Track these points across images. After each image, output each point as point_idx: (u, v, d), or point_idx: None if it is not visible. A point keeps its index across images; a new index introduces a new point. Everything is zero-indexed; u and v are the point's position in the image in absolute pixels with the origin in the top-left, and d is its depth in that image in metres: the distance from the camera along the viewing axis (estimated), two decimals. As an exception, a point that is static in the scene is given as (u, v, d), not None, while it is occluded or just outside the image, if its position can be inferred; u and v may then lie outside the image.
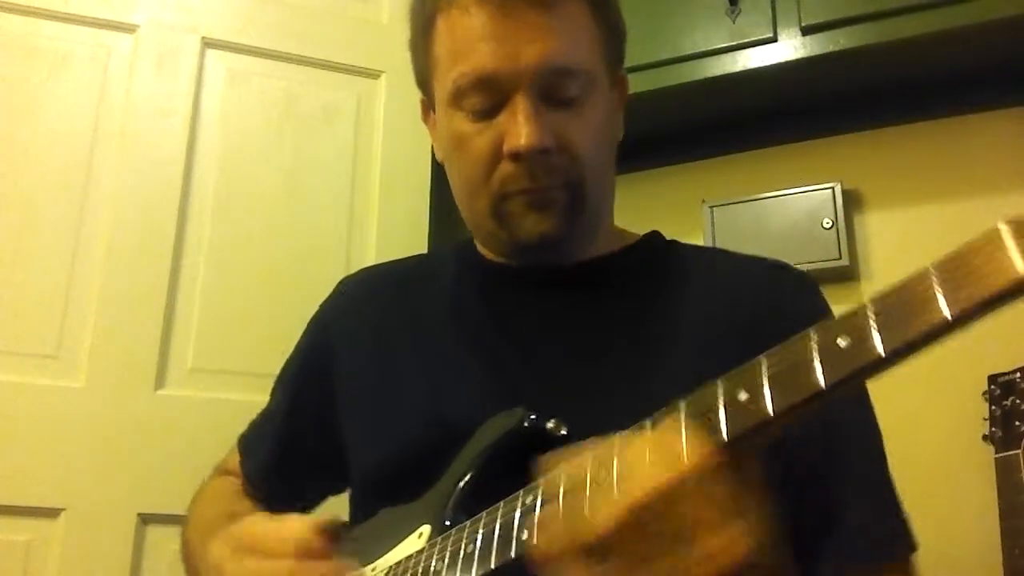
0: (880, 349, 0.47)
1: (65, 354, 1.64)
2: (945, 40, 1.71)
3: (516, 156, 0.83)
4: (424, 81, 0.95)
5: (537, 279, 0.93)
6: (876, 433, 0.85)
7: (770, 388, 0.51)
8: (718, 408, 0.53)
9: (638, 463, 0.54)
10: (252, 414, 1.09)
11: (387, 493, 0.86)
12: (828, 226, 1.88)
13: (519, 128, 0.82)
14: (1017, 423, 1.50)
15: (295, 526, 0.76)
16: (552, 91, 0.84)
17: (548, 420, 0.77)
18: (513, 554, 0.63)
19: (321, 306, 1.08)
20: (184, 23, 1.85)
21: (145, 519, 1.60)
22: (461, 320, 0.95)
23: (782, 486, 0.70)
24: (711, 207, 2.02)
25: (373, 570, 0.80)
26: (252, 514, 0.91)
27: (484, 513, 0.70)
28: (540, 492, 0.63)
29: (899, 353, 0.47)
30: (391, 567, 0.78)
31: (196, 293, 1.74)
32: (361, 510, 0.92)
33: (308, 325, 1.08)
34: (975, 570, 1.58)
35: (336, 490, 1.04)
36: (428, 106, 0.98)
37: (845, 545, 0.76)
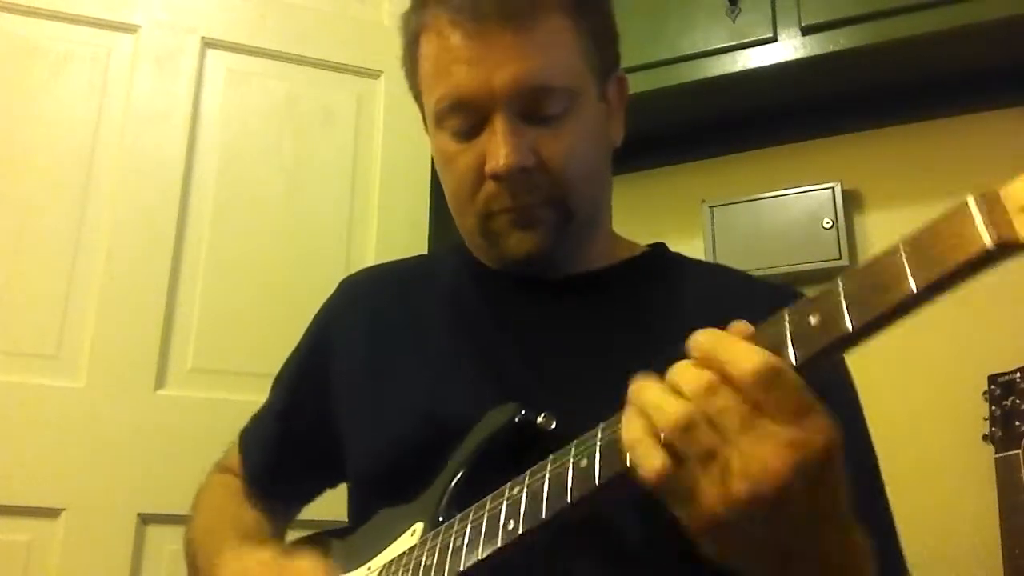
0: (848, 325, 0.48)
1: (65, 354, 1.64)
2: (945, 40, 1.71)
3: (496, 176, 0.84)
4: (416, 96, 0.96)
5: (534, 282, 0.93)
6: (870, 456, 0.84)
7: None
8: None
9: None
10: (252, 414, 1.10)
11: (383, 491, 0.87)
12: (828, 226, 1.88)
13: (497, 149, 0.83)
14: (1017, 423, 1.50)
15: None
16: (531, 109, 0.84)
17: (538, 415, 0.78)
18: (500, 544, 0.65)
19: (322, 306, 1.09)
20: (184, 23, 1.85)
21: (145, 519, 1.60)
22: (458, 319, 0.95)
23: None
24: (711, 207, 2.02)
25: (369, 569, 0.81)
26: (256, 523, 0.93)
27: (472, 508, 0.71)
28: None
29: (868, 328, 0.48)
30: (385, 565, 0.79)
31: (196, 293, 1.74)
32: (358, 508, 0.93)
33: (309, 325, 1.08)
34: (975, 570, 1.58)
35: (332, 485, 1.04)
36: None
37: None
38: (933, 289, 0.45)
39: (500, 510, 0.67)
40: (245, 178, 1.83)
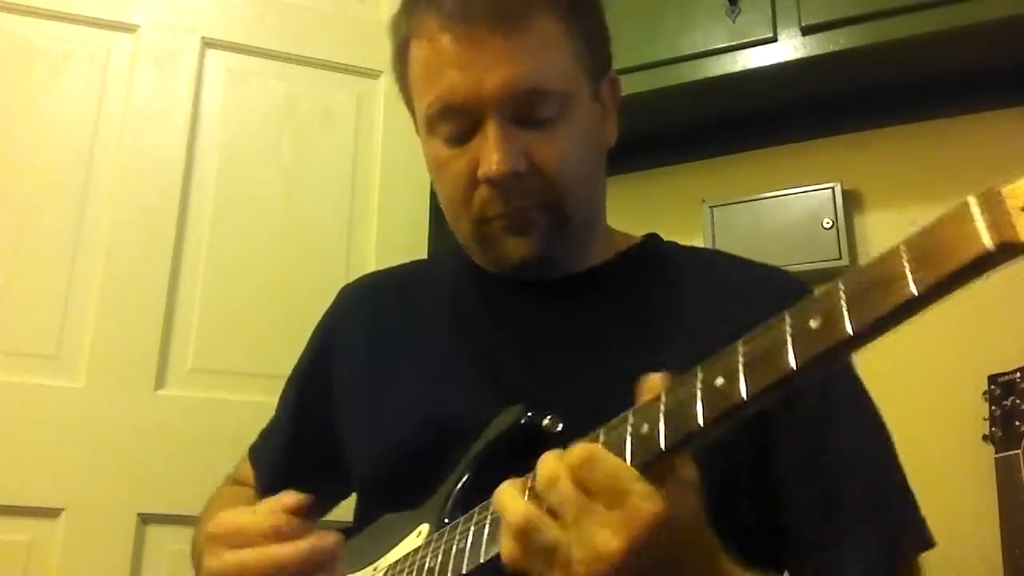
0: (849, 328, 0.47)
1: (65, 354, 1.64)
2: (945, 40, 1.71)
3: (489, 181, 0.83)
4: (407, 101, 0.95)
5: (532, 283, 0.93)
6: (878, 440, 0.85)
7: (744, 373, 0.52)
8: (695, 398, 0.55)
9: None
10: (252, 414, 1.10)
11: (384, 494, 0.87)
12: (828, 226, 1.88)
13: (489, 154, 0.82)
14: (1017, 423, 1.50)
15: (265, 510, 0.77)
16: (524, 112, 0.83)
17: (545, 417, 0.78)
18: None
19: (324, 313, 1.09)
20: (184, 23, 1.85)
21: (145, 519, 1.60)
22: (458, 322, 0.95)
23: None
24: (711, 207, 2.02)
25: (375, 569, 0.81)
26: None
27: (476, 510, 0.71)
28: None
29: (869, 331, 0.47)
30: (390, 566, 0.80)
31: (196, 293, 1.74)
32: (362, 511, 0.93)
33: (312, 333, 1.09)
34: (975, 570, 1.58)
35: (346, 491, 1.04)
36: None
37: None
38: (934, 291, 0.45)
39: None
40: (245, 178, 1.83)
